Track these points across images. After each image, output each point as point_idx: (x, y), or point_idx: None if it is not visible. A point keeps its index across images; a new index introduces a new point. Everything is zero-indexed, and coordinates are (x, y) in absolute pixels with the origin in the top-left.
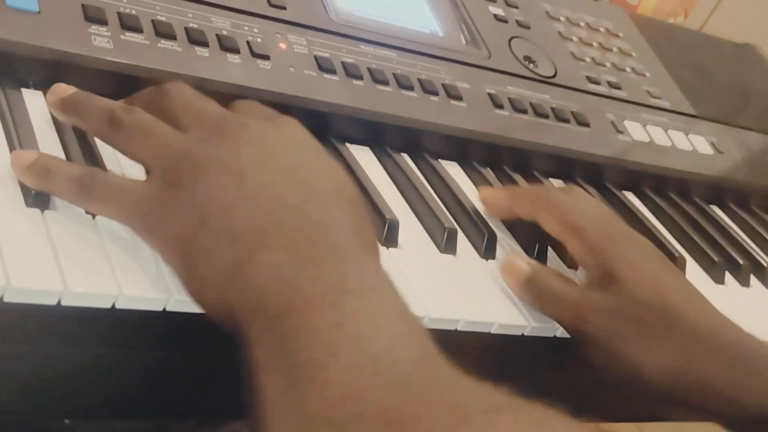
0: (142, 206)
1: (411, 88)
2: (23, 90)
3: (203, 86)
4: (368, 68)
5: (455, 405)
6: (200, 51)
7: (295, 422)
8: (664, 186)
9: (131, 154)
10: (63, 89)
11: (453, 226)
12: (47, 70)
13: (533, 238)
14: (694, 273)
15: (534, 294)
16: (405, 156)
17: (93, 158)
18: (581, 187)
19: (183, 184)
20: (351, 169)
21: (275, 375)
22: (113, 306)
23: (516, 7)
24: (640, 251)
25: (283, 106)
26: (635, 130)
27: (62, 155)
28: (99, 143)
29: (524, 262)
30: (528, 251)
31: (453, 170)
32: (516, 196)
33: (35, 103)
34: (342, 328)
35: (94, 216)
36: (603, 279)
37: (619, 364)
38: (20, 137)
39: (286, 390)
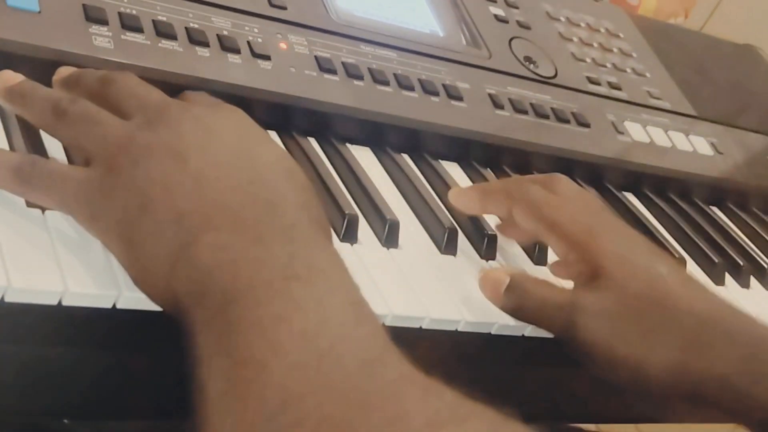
0: (82, 194)
1: (411, 89)
2: None
3: (204, 86)
4: (369, 68)
5: (397, 417)
6: (201, 51)
7: (233, 425)
8: (665, 187)
9: (74, 143)
10: (10, 77)
11: (453, 226)
12: (48, 71)
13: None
14: (694, 274)
15: (517, 304)
16: (405, 156)
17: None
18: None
19: (123, 168)
20: (351, 169)
21: (217, 373)
22: (114, 306)
23: (516, 8)
24: (627, 241)
25: (284, 106)
26: (635, 131)
27: (5, 145)
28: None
29: (502, 273)
30: (528, 252)
31: (453, 171)
32: (487, 194)
33: None
34: (287, 321)
35: (43, 210)
36: (590, 277)
37: (620, 366)
38: None
39: (226, 391)
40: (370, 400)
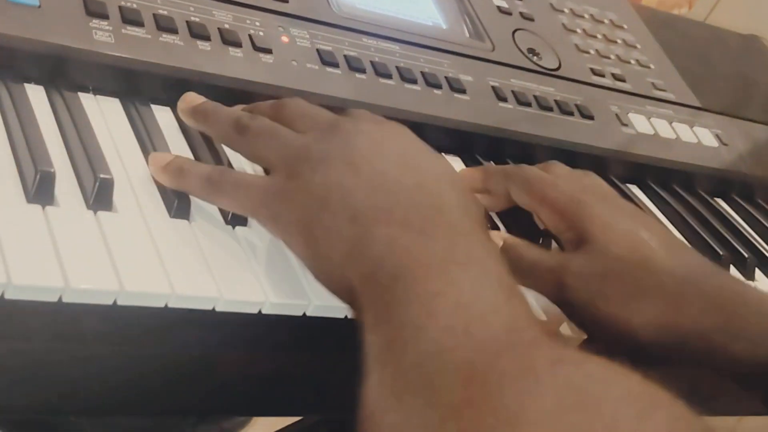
0: (266, 198)
1: (414, 82)
2: (26, 85)
3: (205, 80)
4: (371, 61)
5: (528, 366)
6: (202, 45)
7: (392, 373)
8: (669, 179)
9: (255, 155)
10: (193, 98)
11: None
12: (48, 65)
13: (535, 232)
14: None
15: (511, 267)
16: None
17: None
18: None
19: (302, 174)
20: None
21: (380, 333)
22: (115, 302)
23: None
24: (613, 207)
25: None
26: (640, 123)
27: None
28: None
29: (496, 236)
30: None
31: (456, 164)
32: (489, 174)
33: (37, 98)
34: (443, 295)
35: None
36: (578, 243)
37: (606, 326)
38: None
39: (388, 345)
40: (511, 350)
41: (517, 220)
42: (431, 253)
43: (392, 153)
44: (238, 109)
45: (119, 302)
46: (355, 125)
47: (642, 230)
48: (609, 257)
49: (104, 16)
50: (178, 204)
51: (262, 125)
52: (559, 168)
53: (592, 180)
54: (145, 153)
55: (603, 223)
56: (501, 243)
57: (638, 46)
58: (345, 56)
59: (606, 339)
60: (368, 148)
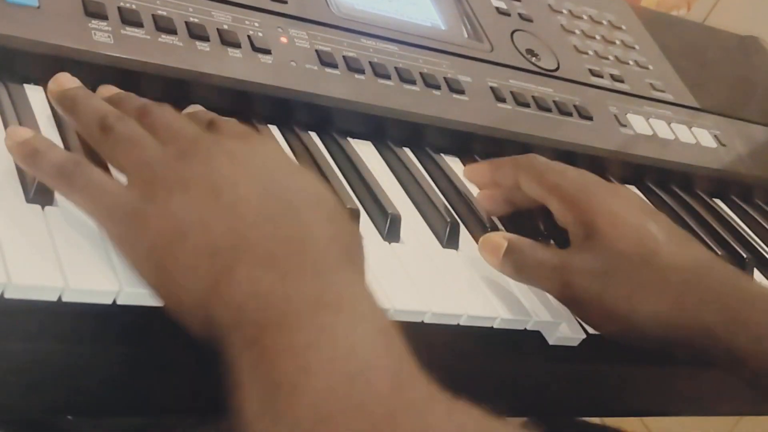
0: (117, 212)
1: (413, 82)
2: (25, 86)
3: (205, 81)
4: (370, 62)
5: (426, 423)
6: (201, 45)
7: None
8: (667, 179)
9: (113, 161)
10: (65, 80)
11: (455, 220)
12: (47, 66)
13: (534, 232)
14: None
15: (516, 267)
16: (407, 150)
17: (91, 152)
18: None
19: (158, 198)
20: (352, 163)
21: (254, 393)
22: (114, 302)
23: (518, 0)
24: (621, 200)
25: (285, 100)
26: (638, 123)
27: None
28: None
29: (501, 237)
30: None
31: (454, 164)
32: (497, 166)
33: (37, 98)
34: (316, 348)
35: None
36: (585, 235)
37: (612, 321)
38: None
39: (263, 410)
40: (397, 418)
41: (517, 220)
42: (298, 296)
43: (256, 175)
44: (108, 104)
45: None
46: (218, 143)
47: (650, 223)
48: (614, 253)
49: (103, 17)
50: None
51: (126, 130)
52: (563, 164)
53: (594, 176)
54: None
55: (611, 215)
56: (505, 243)
57: (637, 47)
58: (344, 57)
59: (612, 335)
60: (230, 170)
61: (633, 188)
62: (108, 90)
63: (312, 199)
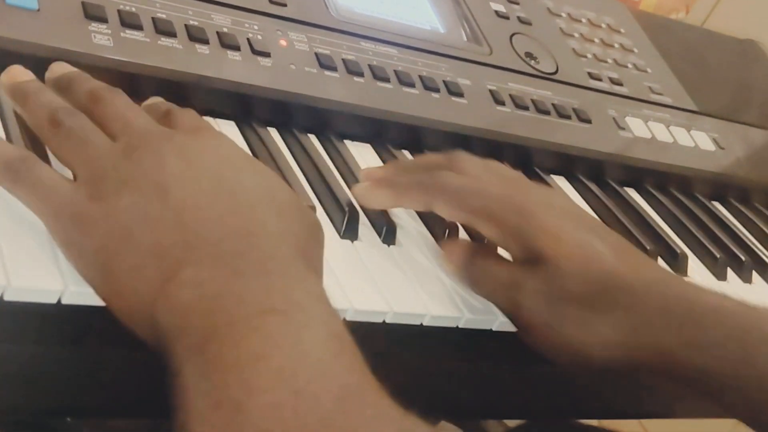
0: (62, 215)
1: (412, 85)
2: None
3: (204, 84)
4: (369, 65)
5: None
6: (200, 48)
7: None
8: (666, 182)
9: (62, 158)
10: (18, 73)
11: (456, 225)
12: (47, 69)
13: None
14: (696, 269)
15: (472, 278)
16: (406, 153)
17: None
18: (583, 183)
19: (105, 198)
20: (348, 166)
21: (197, 407)
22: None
23: (517, 4)
24: (561, 218)
25: (284, 103)
26: (637, 127)
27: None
28: None
29: (461, 246)
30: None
31: None
32: (400, 191)
33: None
34: (263, 359)
35: None
36: (530, 259)
37: (563, 348)
38: None
39: (205, 427)
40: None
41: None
42: (246, 300)
43: (205, 172)
44: (59, 99)
45: None
46: (169, 138)
47: (595, 240)
48: (564, 276)
49: (103, 20)
50: None
51: (76, 126)
52: (470, 164)
53: (509, 171)
54: None
55: (555, 237)
56: (460, 250)
57: (635, 50)
58: (343, 60)
59: (560, 359)
60: (179, 166)
61: (632, 191)
62: (61, 68)
63: (264, 194)
